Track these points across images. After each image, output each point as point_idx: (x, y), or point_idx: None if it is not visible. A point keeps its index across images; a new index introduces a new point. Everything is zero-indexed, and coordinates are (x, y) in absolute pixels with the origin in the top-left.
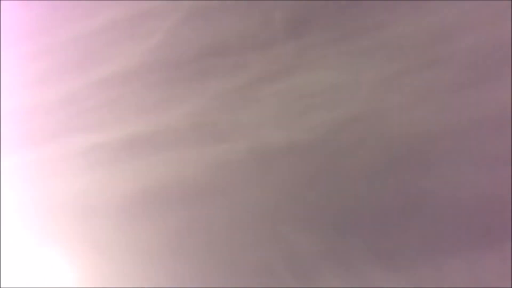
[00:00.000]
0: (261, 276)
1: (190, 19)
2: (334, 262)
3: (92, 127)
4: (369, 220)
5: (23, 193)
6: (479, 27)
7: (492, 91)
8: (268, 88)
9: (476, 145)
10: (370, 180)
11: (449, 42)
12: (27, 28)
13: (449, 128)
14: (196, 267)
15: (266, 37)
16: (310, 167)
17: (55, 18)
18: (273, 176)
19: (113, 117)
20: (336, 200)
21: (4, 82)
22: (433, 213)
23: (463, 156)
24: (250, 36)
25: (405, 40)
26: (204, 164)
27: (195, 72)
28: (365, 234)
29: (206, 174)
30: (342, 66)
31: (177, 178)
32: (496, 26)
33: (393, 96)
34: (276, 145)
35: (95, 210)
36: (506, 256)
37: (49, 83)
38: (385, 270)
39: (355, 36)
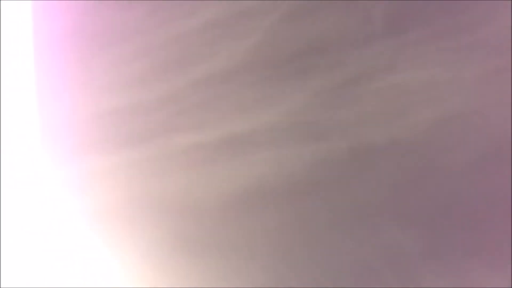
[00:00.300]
0: (361, 275)
1: (289, 17)
2: (436, 261)
3: (192, 126)
4: (471, 218)
5: (124, 192)
6: None
7: None
8: (367, 86)
9: None
10: (471, 177)
11: None
12: (127, 28)
13: None
14: (294, 266)
15: (365, 34)
16: (410, 165)
17: (155, 18)
18: (373, 174)
19: (212, 116)
20: (437, 198)
21: (104, 83)
22: None
23: None
24: (349, 33)
25: (505, 36)
26: (304, 162)
27: (294, 71)
28: (466, 232)
29: (306, 172)
30: (442, 63)
31: (276, 176)
32: None
33: (493, 93)
34: (376, 143)
35: (195, 209)
36: None
37: (149, 83)
38: (486, 268)
39: (455, 32)
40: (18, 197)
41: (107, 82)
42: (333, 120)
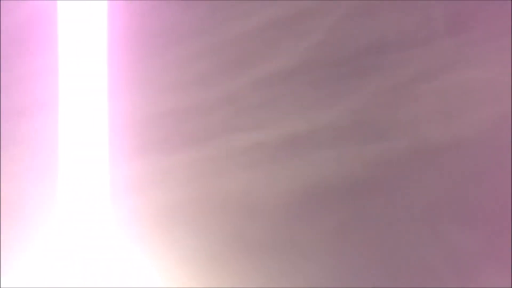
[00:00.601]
0: (421, 275)
1: (350, 16)
2: (496, 261)
3: (252, 126)
4: None
5: (184, 192)
6: None
7: None
8: (427, 85)
9: None
10: None
11: None
12: (187, 28)
13: None
14: (355, 265)
15: (426, 33)
16: (471, 164)
17: (215, 18)
18: (433, 173)
19: (273, 116)
20: (498, 197)
21: (165, 83)
22: None
23: None
24: (409, 33)
25: None
26: (364, 162)
27: (354, 70)
28: None
29: (366, 172)
30: (502, 62)
31: (337, 176)
32: None
33: None
34: (436, 142)
35: (256, 208)
36: None
37: (210, 82)
38: None
39: None
40: (80, 196)
41: (168, 82)
42: (394, 120)
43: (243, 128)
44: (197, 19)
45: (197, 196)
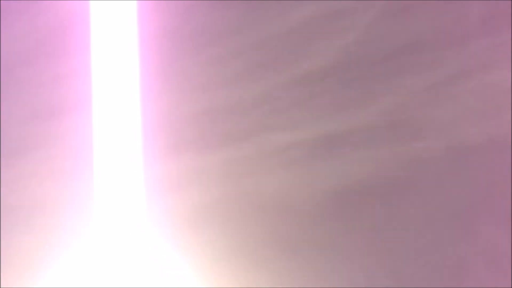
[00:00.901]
0: (458, 275)
1: (385, 16)
2: None
3: (288, 126)
4: None
5: (219, 191)
6: None
7: None
8: (463, 84)
9: None
10: None
11: None
12: (223, 28)
13: None
14: (391, 265)
15: (462, 33)
16: (506, 163)
17: (250, 18)
18: (469, 173)
19: (308, 115)
20: None
21: (201, 83)
22: None
23: None
24: (446, 32)
25: None
26: (400, 162)
27: (390, 69)
28: None
29: (402, 172)
30: None
31: (372, 175)
32: None
33: None
34: (473, 142)
35: (291, 208)
36: None
37: (245, 82)
38: None
39: None
40: (116, 194)
41: (204, 81)
42: (429, 119)
43: (279, 127)
44: (232, 19)
45: (233, 196)
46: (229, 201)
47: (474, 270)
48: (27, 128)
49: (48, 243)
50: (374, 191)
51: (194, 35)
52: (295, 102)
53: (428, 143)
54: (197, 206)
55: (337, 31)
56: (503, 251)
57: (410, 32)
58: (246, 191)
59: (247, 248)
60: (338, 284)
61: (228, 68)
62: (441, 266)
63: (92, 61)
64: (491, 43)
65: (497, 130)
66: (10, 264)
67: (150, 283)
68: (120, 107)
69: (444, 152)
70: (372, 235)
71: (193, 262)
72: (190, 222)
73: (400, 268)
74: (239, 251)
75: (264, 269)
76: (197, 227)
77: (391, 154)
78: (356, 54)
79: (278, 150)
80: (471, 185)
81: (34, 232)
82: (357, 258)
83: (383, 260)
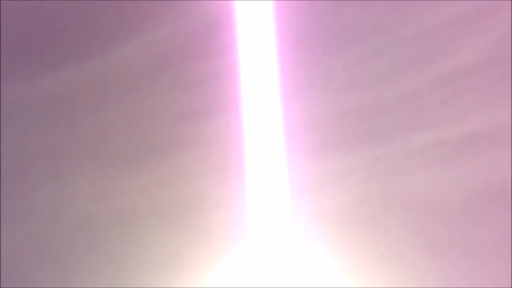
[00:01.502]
0: None
1: None
2: None
3: (432, 124)
4: None
5: (362, 192)
6: None
7: None
8: None
9: None
10: None
11: None
12: (367, 27)
13: None
14: None
15: None
16: None
17: (394, 16)
18: None
19: (454, 113)
20: None
21: (344, 82)
22: None
23: None
24: None
25: None
26: None
27: None
28: None
29: None
30: None
31: None
32: None
33: None
34: None
35: (437, 207)
36: None
37: (389, 80)
38: None
39: None
40: (261, 195)
41: (347, 80)
42: None
43: (424, 126)
44: (376, 18)
45: (378, 195)
46: (374, 201)
47: None
48: (177, 128)
49: (197, 242)
50: None
51: (338, 34)
52: (440, 100)
53: None
54: (342, 206)
55: (484, 27)
56: None
57: None
58: (391, 190)
59: (393, 248)
60: (483, 284)
61: (373, 66)
62: None
63: (239, 61)
64: None
65: None
66: (159, 264)
67: (297, 283)
68: (265, 107)
69: None
70: None
71: (339, 262)
72: (336, 221)
73: None
74: (385, 251)
75: (410, 268)
76: (342, 227)
77: None
78: (503, 51)
79: (423, 149)
80: None
81: (183, 232)
82: (502, 258)
83: None
